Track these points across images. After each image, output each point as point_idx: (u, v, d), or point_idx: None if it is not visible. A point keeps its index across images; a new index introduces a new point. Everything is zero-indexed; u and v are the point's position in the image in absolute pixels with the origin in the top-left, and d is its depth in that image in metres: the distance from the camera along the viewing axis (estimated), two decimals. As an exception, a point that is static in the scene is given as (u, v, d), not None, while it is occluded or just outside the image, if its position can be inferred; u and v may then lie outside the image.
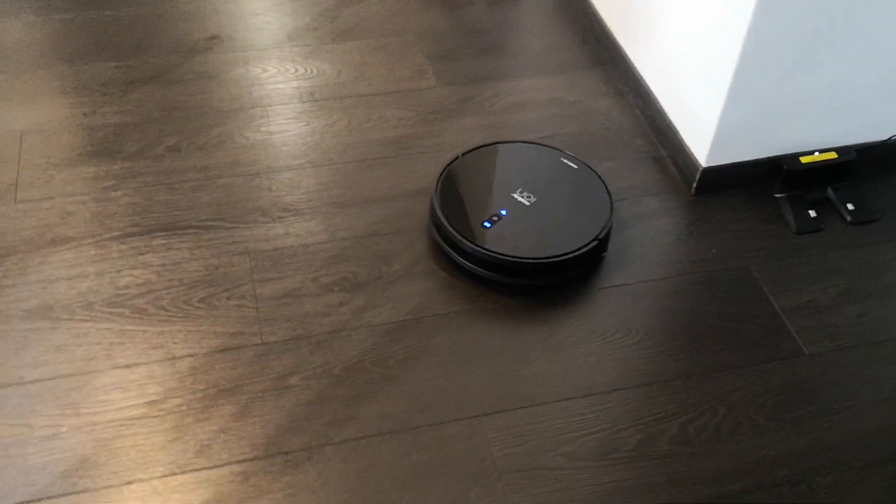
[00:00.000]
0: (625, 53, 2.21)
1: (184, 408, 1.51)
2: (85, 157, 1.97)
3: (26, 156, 1.96)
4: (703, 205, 1.94)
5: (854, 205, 1.93)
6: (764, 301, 1.74)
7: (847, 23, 1.71)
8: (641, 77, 2.14)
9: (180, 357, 1.59)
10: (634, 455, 1.49)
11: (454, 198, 1.78)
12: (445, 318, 1.67)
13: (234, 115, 2.10)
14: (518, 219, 1.75)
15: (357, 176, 1.96)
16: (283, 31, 2.37)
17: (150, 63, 2.24)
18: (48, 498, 1.39)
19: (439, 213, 1.74)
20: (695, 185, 1.94)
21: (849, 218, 1.92)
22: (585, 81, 2.25)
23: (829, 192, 1.96)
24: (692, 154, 1.94)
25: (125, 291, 1.69)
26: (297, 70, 2.24)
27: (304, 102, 2.15)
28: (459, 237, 1.70)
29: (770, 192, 1.96)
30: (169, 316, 1.65)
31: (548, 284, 1.73)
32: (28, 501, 1.38)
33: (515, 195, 1.79)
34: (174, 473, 1.43)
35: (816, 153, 1.94)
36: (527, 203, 1.77)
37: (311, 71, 2.25)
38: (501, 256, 1.67)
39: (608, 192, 1.81)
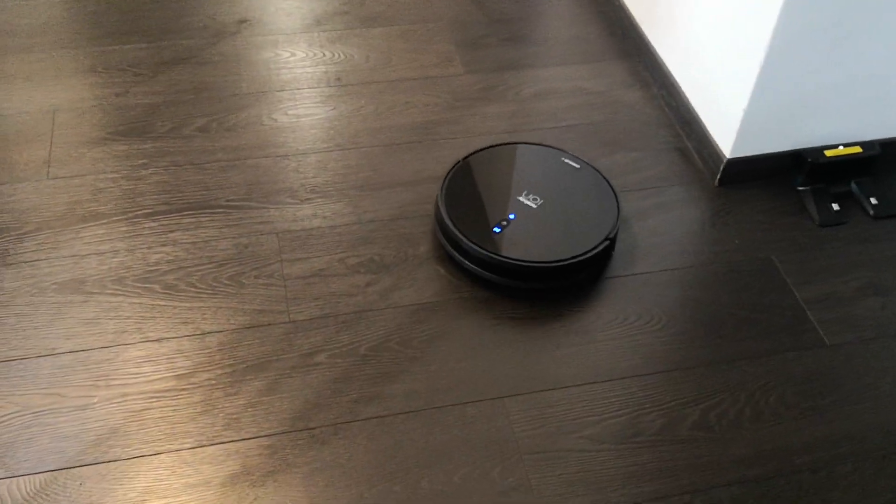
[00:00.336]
0: (651, 45, 2.23)
1: (212, 382, 1.54)
2: (116, 136, 1.99)
3: (58, 133, 1.99)
4: (726, 196, 1.95)
5: (877, 199, 1.94)
6: (786, 292, 1.76)
7: (876, 16, 1.72)
8: (667, 69, 2.15)
9: (209, 333, 1.61)
10: (656, 439, 1.51)
11: (461, 204, 1.76)
12: (470, 302, 1.69)
13: (262, 98, 2.12)
14: (527, 223, 1.73)
15: (384, 160, 1.98)
16: (311, 16, 2.39)
17: (180, 45, 2.26)
18: (79, 466, 1.42)
19: (448, 221, 1.72)
20: (719, 176, 1.96)
21: (872, 212, 1.93)
22: (611, 72, 2.27)
23: (853, 185, 1.97)
24: (717, 145, 1.95)
25: (156, 268, 1.71)
26: (325, 54, 2.26)
27: (331, 87, 2.17)
28: (471, 244, 1.68)
29: (793, 184, 1.98)
30: (198, 292, 1.68)
31: (562, 287, 1.73)
32: (60, 469, 1.41)
33: (522, 198, 1.77)
34: (203, 445, 1.45)
35: (841, 147, 1.95)
36: (534, 206, 1.76)
37: (339, 55, 2.27)
38: (517, 262, 1.66)
39: (612, 189, 1.82)
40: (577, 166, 1.86)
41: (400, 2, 2.45)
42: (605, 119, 2.13)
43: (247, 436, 1.47)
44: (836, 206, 1.93)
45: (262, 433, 1.47)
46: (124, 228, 1.79)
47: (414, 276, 1.73)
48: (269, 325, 1.63)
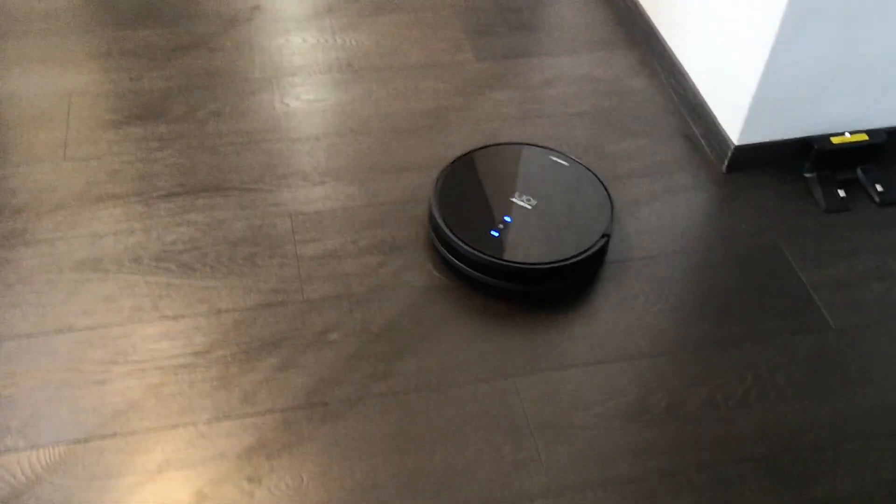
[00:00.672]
0: (659, 33, 2.25)
1: (228, 358, 1.56)
2: (131, 119, 2.02)
3: (74, 116, 2.02)
4: (734, 182, 1.98)
5: (883, 186, 1.96)
6: (792, 276, 1.78)
7: (883, 5, 1.74)
8: (675, 57, 2.17)
9: (225, 311, 1.64)
10: (664, 417, 1.53)
11: (456, 210, 1.73)
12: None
13: (274, 83, 2.14)
14: (524, 224, 1.72)
15: (394, 144, 2.01)
16: (323, 3, 2.41)
17: (193, 31, 2.29)
18: (98, 438, 1.44)
19: (445, 228, 1.69)
20: (726, 162, 1.98)
21: (877, 199, 1.95)
22: (620, 60, 2.29)
23: (859, 172, 1.99)
24: (724, 132, 1.98)
25: (171, 247, 1.74)
26: (336, 41, 2.29)
27: (342, 72, 2.20)
28: (470, 249, 1.66)
29: (800, 171, 2.00)
30: (213, 272, 1.70)
31: (566, 287, 1.73)
32: (79, 440, 1.44)
33: (515, 199, 1.75)
34: (219, 419, 1.48)
35: (847, 134, 1.97)
36: (528, 207, 1.74)
37: (350, 42, 2.29)
38: (519, 265, 1.64)
39: (602, 183, 1.82)
40: (566, 164, 1.85)
41: (410, -10, 2.48)
42: (614, 106, 2.16)
43: (262, 410, 1.49)
44: (841, 193, 1.95)
45: (278, 408, 1.50)
46: (140, 209, 1.81)
47: (425, 258, 1.75)
48: (284, 303, 1.66)
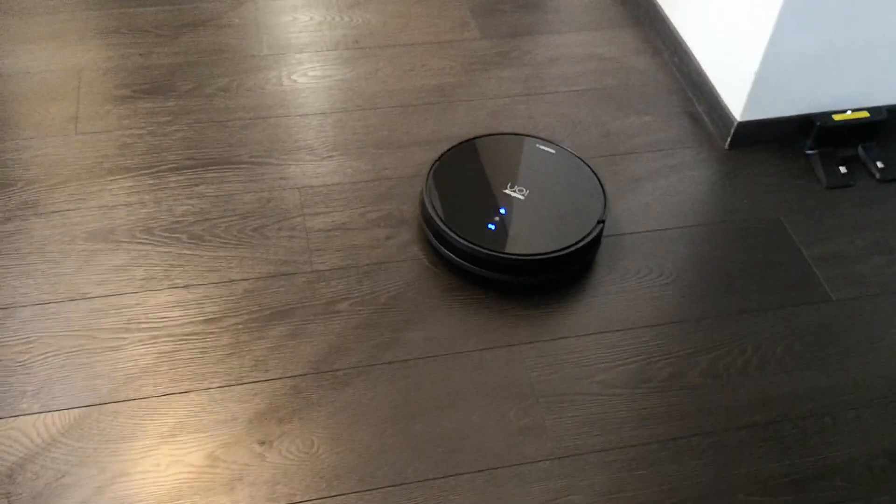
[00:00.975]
0: (663, 12, 2.27)
1: (240, 326, 1.59)
2: (140, 94, 2.04)
3: (85, 91, 2.04)
4: (736, 159, 2.00)
5: (883, 163, 1.99)
6: (794, 250, 1.81)
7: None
8: (679, 35, 2.19)
9: (235, 280, 1.67)
10: (666, 385, 1.56)
11: (449, 205, 1.71)
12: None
13: (282, 60, 2.17)
14: (520, 216, 1.71)
15: (401, 120, 2.03)
16: (329, -18, 2.43)
17: (200, 8, 2.31)
18: (112, 402, 1.47)
19: (441, 223, 1.67)
20: (729, 139, 2.00)
21: (878, 175, 1.98)
22: (623, 39, 2.31)
23: (860, 149, 2.02)
24: (727, 109, 2.00)
25: (182, 219, 1.77)
26: (342, 18, 2.31)
27: (349, 50, 2.22)
28: (468, 243, 1.64)
29: (802, 148, 2.02)
30: (224, 243, 1.73)
31: (566, 277, 1.72)
32: (93, 404, 1.47)
33: (508, 191, 1.74)
34: (231, 384, 1.51)
35: (849, 112, 2.00)
36: (522, 197, 1.73)
37: (357, 20, 2.31)
38: (518, 258, 1.64)
39: (591, 168, 1.81)
40: (553, 151, 1.84)
41: (416, -31, 2.50)
42: (618, 84, 2.18)
43: (273, 376, 1.52)
44: (843, 169, 1.98)
45: (288, 374, 1.53)
46: (151, 181, 1.84)
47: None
48: (293, 274, 1.69)
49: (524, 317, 1.64)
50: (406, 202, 1.83)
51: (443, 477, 1.41)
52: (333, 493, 1.38)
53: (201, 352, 1.55)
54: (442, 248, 1.69)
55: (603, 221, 1.70)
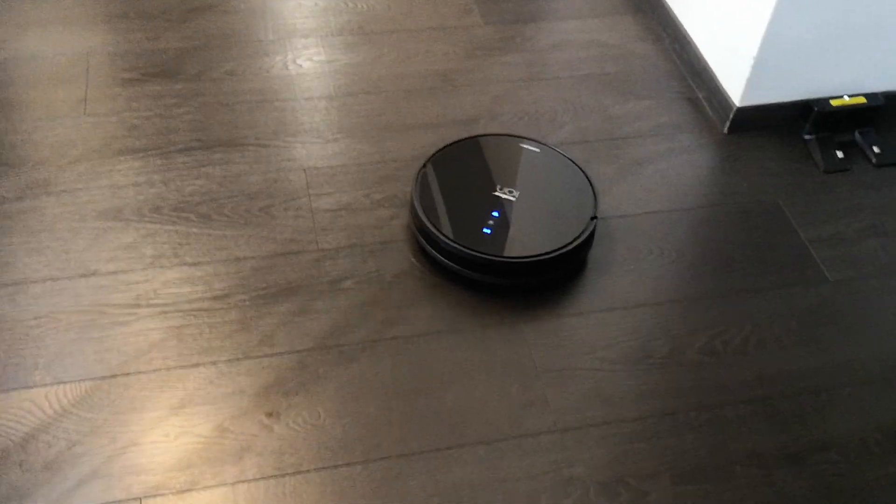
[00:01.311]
0: (664, 0, 2.30)
1: (247, 303, 1.62)
2: (148, 78, 2.07)
3: (94, 74, 2.07)
4: (735, 143, 2.03)
5: (880, 148, 2.02)
6: (791, 232, 1.84)
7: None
8: (679, 22, 2.22)
9: (243, 258, 1.70)
10: (665, 362, 1.59)
11: (441, 211, 1.69)
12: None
13: (287, 45, 2.19)
14: (513, 217, 1.69)
15: (405, 104, 2.06)
16: (334, -31, 2.46)
17: (207, -7, 2.34)
18: (122, 375, 1.51)
19: (434, 230, 1.66)
20: (728, 123, 2.03)
21: (874, 160, 2.01)
22: (625, 26, 2.34)
23: (857, 135, 2.05)
24: (727, 94, 2.03)
25: (190, 198, 1.80)
26: (347, 4, 2.34)
27: (354, 35, 2.25)
28: (466, 250, 1.63)
29: (800, 133, 2.05)
30: (231, 222, 1.76)
31: (564, 275, 1.72)
32: (104, 377, 1.50)
33: (498, 193, 1.72)
34: (239, 359, 1.54)
35: (846, 97, 2.03)
36: (513, 199, 1.71)
37: (361, 6, 2.34)
38: (517, 260, 1.63)
39: (578, 167, 1.80)
40: (538, 150, 1.83)
41: (420, -44, 2.52)
42: (619, 70, 2.21)
43: (280, 351, 1.55)
44: (840, 154, 2.01)
45: (295, 349, 1.56)
46: (159, 162, 1.87)
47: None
48: (299, 252, 1.72)
49: (525, 296, 1.67)
50: (409, 184, 1.86)
51: (446, 448, 1.44)
52: (339, 463, 1.41)
53: (209, 327, 1.58)
54: (440, 256, 1.67)
55: (596, 217, 1.71)
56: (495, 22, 2.31)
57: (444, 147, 1.82)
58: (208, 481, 1.38)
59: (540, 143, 1.85)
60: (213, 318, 1.59)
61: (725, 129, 2.05)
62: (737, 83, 2.00)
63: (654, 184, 1.91)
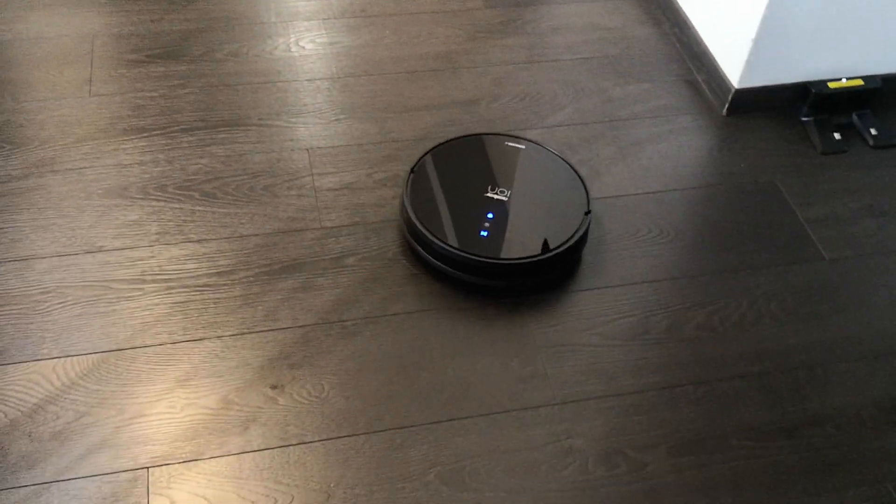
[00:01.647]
0: (664, -17, 2.32)
1: (251, 279, 1.65)
2: (153, 59, 2.09)
3: (98, 55, 2.09)
4: (734, 125, 2.05)
5: (877, 130, 2.04)
6: (788, 211, 1.86)
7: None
8: (679, 6, 2.24)
9: (247, 236, 1.72)
10: (663, 337, 1.62)
11: (436, 217, 1.67)
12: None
13: (290, 27, 2.21)
14: (508, 218, 1.68)
15: (407, 85, 2.08)
16: (336, -48, 2.47)
17: (210, -24, 2.35)
18: (129, 348, 1.53)
19: (430, 235, 1.63)
20: (727, 105, 2.05)
21: (871, 142, 2.03)
22: (624, 9, 2.36)
23: (854, 117, 2.07)
24: (725, 76, 2.05)
25: (194, 177, 1.82)
26: (350, -12, 2.36)
27: (356, 17, 2.27)
28: (465, 254, 1.61)
29: (797, 115, 2.08)
30: (235, 200, 1.78)
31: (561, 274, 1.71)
32: (110, 350, 1.52)
33: (490, 194, 1.71)
34: (243, 333, 1.56)
35: (843, 80, 2.05)
36: (505, 199, 1.70)
37: (364, -11, 2.36)
38: (516, 262, 1.62)
39: (564, 160, 1.80)
40: (522, 146, 1.81)
41: (422, -60, 2.54)
42: (619, 53, 2.23)
43: (284, 326, 1.58)
44: (837, 136, 2.03)
45: (298, 324, 1.58)
46: (163, 141, 1.89)
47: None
48: (302, 230, 1.74)
49: (526, 271, 1.69)
50: (411, 164, 1.88)
51: (447, 420, 1.47)
52: (343, 434, 1.44)
53: (214, 302, 1.60)
54: (439, 262, 1.65)
55: (590, 212, 1.70)
56: (496, 5, 2.33)
57: (428, 151, 1.79)
58: (214, 451, 1.40)
59: (524, 139, 1.83)
60: (218, 294, 1.62)
61: (724, 111, 2.07)
62: (735, 66, 2.02)
63: (654, 164, 1.93)
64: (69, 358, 1.51)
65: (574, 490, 1.39)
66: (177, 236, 1.71)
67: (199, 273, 1.65)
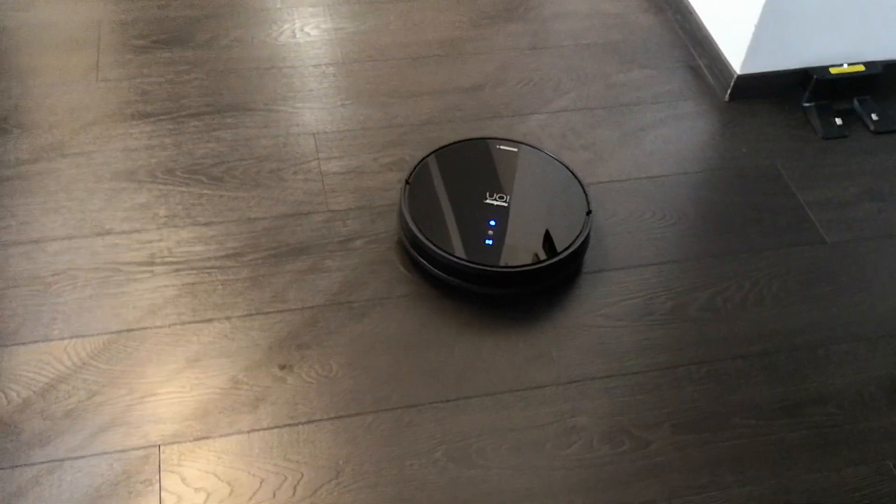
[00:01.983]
0: (666, -30, 2.33)
1: (259, 261, 1.66)
2: (159, 45, 2.11)
3: (105, 41, 2.10)
4: (735, 110, 2.07)
5: (878, 115, 2.06)
6: (790, 195, 1.88)
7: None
8: (682, -8, 2.26)
9: (254, 219, 1.74)
10: (667, 318, 1.64)
11: (438, 227, 1.64)
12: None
13: (295, 13, 2.23)
14: (510, 224, 1.65)
15: (412, 71, 2.10)
16: (340, -61, 2.48)
17: (215, -37, 2.36)
18: (139, 329, 1.55)
19: (435, 248, 1.60)
20: (729, 91, 2.07)
21: (872, 127, 2.05)
22: (627, -4, 2.38)
23: (855, 102, 2.09)
24: (728, 62, 2.07)
25: (202, 161, 1.84)
26: (354, -25, 2.37)
27: (360, 4, 2.28)
28: (472, 265, 1.58)
29: (799, 101, 2.09)
30: (242, 184, 1.80)
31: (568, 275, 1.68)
32: (120, 331, 1.54)
33: (489, 201, 1.68)
34: (252, 314, 1.58)
35: (845, 65, 2.06)
36: (505, 205, 1.67)
37: (368, -24, 2.37)
38: (529, 268, 1.60)
39: (557, 159, 1.78)
40: (515, 149, 1.78)
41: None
42: (622, 39, 2.24)
43: (292, 307, 1.60)
44: (838, 121, 2.05)
45: (307, 305, 1.60)
46: (171, 126, 1.90)
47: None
48: (309, 213, 1.76)
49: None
50: (417, 148, 1.90)
51: (454, 400, 1.49)
52: (351, 413, 1.46)
53: (223, 284, 1.62)
54: (443, 273, 1.62)
55: (591, 212, 1.69)
56: (500, -9, 2.35)
57: (422, 160, 1.75)
58: (224, 429, 1.42)
59: (515, 141, 1.80)
60: (227, 276, 1.64)
61: (726, 97, 2.08)
62: (737, 51, 2.04)
63: (657, 149, 1.95)
64: (80, 338, 1.53)
65: (579, 467, 1.41)
66: (185, 219, 1.72)
67: (208, 255, 1.66)
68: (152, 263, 1.65)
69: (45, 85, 1.98)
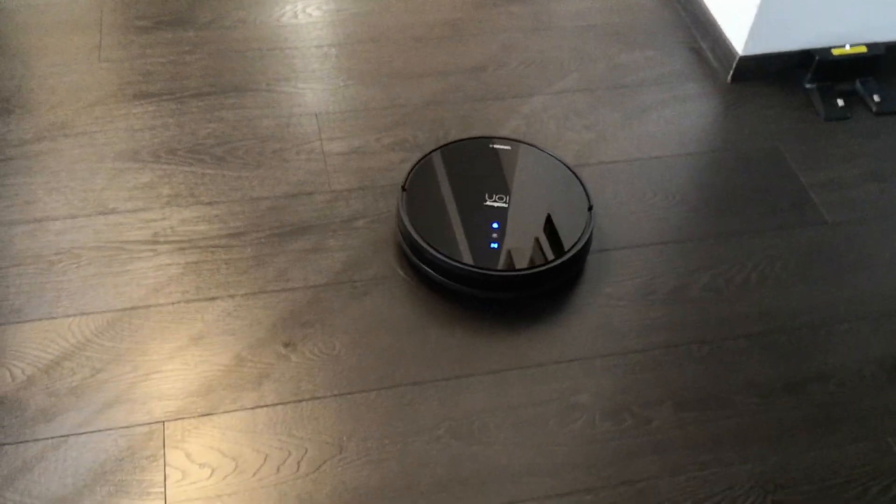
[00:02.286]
0: (669, -49, 2.33)
1: (262, 240, 1.67)
2: (162, 26, 2.11)
3: (107, 22, 2.10)
4: (738, 92, 2.07)
5: (880, 97, 2.06)
6: (791, 176, 1.88)
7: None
8: (684, -27, 2.26)
9: (257, 198, 1.74)
10: (669, 298, 1.64)
11: (440, 233, 1.60)
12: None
13: (298, -5, 2.23)
14: (512, 225, 1.62)
15: (414, 52, 2.10)
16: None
17: (217, -56, 2.36)
18: (143, 307, 1.55)
19: (439, 254, 1.57)
20: (731, 72, 2.07)
21: (874, 109, 2.05)
22: (630, -22, 2.37)
23: (857, 84, 2.08)
24: (730, 43, 2.07)
25: (204, 141, 1.84)
26: (356, -44, 2.36)
27: (363, -14, 2.28)
28: (478, 271, 1.55)
29: (801, 82, 2.09)
30: (245, 164, 1.80)
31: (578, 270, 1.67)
32: (125, 309, 1.55)
33: (489, 202, 1.65)
34: (255, 293, 1.59)
35: (847, 47, 2.06)
36: (505, 206, 1.64)
37: (370, -43, 2.36)
38: (532, 271, 1.57)
39: (553, 155, 1.76)
40: (509, 147, 1.75)
41: None
42: (624, 21, 2.24)
43: (295, 286, 1.60)
44: (840, 102, 2.05)
45: (310, 284, 1.61)
46: (173, 106, 1.91)
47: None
48: (312, 193, 1.76)
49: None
50: (419, 129, 1.90)
51: (456, 377, 1.50)
52: (354, 390, 1.46)
53: (226, 263, 1.63)
54: (450, 281, 1.59)
55: (592, 207, 1.66)
56: (502, -27, 2.34)
57: (416, 164, 1.72)
58: (228, 406, 1.43)
59: (509, 139, 1.78)
60: (230, 255, 1.64)
61: (728, 78, 2.08)
62: (740, 33, 2.03)
63: (659, 130, 1.95)
64: (84, 316, 1.53)
65: (581, 444, 1.42)
66: (188, 199, 1.73)
67: (211, 234, 1.67)
68: (156, 242, 1.65)
69: (48, 65, 1.98)
